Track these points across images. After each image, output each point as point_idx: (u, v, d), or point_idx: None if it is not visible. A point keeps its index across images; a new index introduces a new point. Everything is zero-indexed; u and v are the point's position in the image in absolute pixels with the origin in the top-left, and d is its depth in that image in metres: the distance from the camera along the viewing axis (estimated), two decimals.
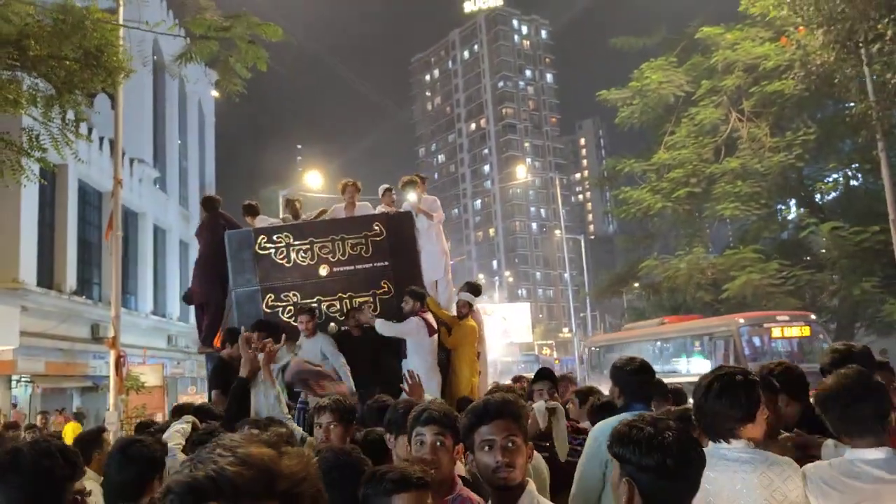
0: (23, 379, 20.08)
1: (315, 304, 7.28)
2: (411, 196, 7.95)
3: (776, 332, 16.80)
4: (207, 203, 8.94)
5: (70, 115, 8.59)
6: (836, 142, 20.59)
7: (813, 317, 17.73)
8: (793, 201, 22.39)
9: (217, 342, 7.65)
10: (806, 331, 16.94)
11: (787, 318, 17.26)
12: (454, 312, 7.59)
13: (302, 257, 7.49)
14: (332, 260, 7.47)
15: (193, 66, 34.52)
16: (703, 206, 21.72)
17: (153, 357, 25.52)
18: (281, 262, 7.48)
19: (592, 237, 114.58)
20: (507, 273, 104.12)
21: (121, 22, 12.47)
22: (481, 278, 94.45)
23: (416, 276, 7.49)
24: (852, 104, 16.76)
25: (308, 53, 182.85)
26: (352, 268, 7.48)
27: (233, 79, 8.70)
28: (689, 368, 17.99)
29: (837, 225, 18.44)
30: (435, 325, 6.99)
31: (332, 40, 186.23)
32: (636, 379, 3.45)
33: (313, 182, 36.53)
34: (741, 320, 16.99)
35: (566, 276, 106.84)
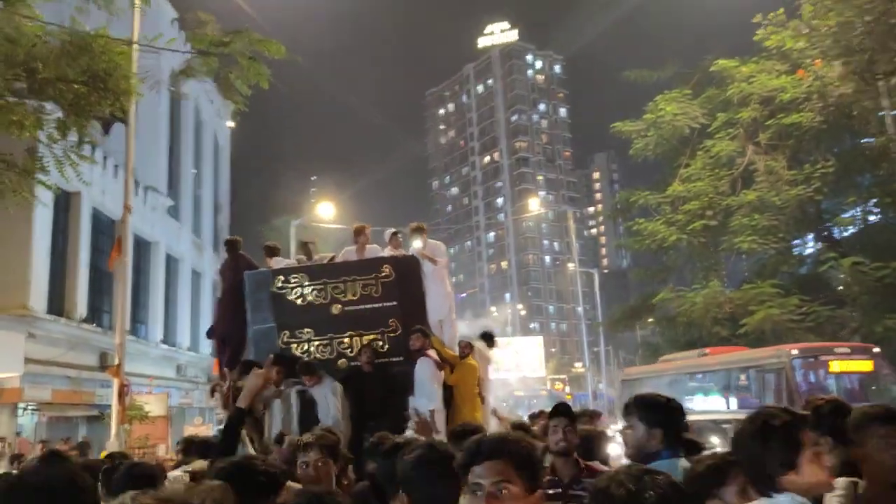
0: (29, 407, 19.87)
1: (327, 342, 7.79)
2: (416, 243, 8.41)
3: (834, 366, 15.31)
4: (230, 245, 9.43)
5: (75, 137, 8.47)
6: (855, 175, 20.27)
7: (877, 350, 16.05)
8: (811, 235, 21.98)
9: (215, 369, 8.22)
10: (868, 365, 15.50)
11: (846, 350, 15.83)
12: (457, 350, 8.02)
13: (316, 297, 7.98)
14: (343, 300, 7.98)
15: (209, 96, 34.96)
16: (720, 239, 21.37)
17: (159, 386, 25.28)
18: (296, 301, 8.01)
19: (606, 271, 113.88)
20: (519, 306, 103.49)
21: (134, 49, 12.39)
22: (494, 311, 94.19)
23: (422, 315, 7.95)
24: (871, 137, 16.48)
25: (323, 86, 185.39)
26: (362, 307, 7.96)
27: (234, 96, 8.65)
28: (734, 404, 16.72)
29: (858, 260, 17.86)
30: (440, 362, 7.41)
31: (347, 74, 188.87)
32: (677, 419, 3.08)
33: (325, 212, 36.59)
34: (794, 351, 15.44)
35: (579, 309, 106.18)
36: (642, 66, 26.30)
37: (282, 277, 8.09)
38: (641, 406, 3.09)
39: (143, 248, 28.39)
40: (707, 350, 19.13)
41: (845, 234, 21.60)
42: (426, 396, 7.07)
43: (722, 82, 22.23)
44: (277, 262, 8.87)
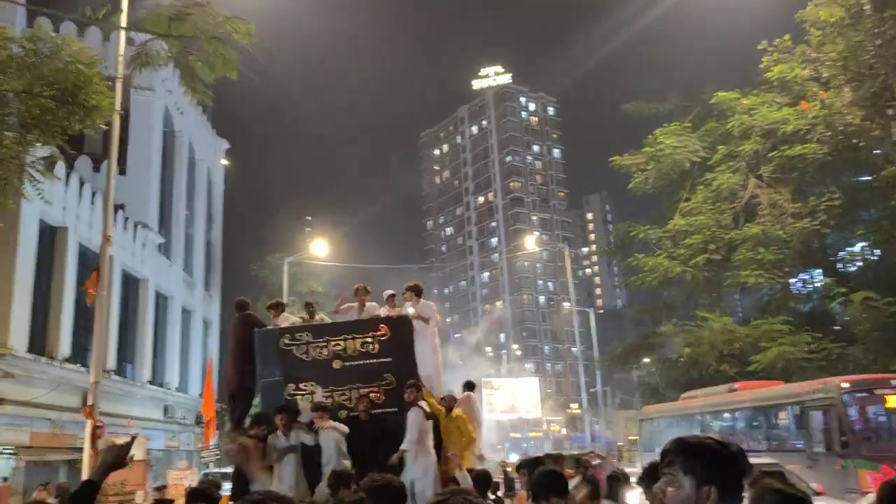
0: (5, 451, 18.92)
1: (328, 394, 8.50)
2: (409, 309, 9.33)
3: (893, 401, 13.28)
4: (239, 305, 10.01)
5: (40, 151, 7.89)
6: (861, 209, 19.81)
7: None
8: (816, 270, 21.41)
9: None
10: None
11: None
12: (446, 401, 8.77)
13: (319, 353, 8.78)
14: (343, 355, 8.77)
15: (204, 136, 34.51)
16: (723, 273, 20.79)
17: (146, 428, 24.30)
18: (301, 357, 8.80)
19: (601, 311, 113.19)
20: (514, 346, 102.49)
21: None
22: (488, 351, 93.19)
23: (413, 370, 8.67)
24: (880, 169, 16.05)
25: (318, 124, 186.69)
26: (361, 363, 8.72)
27: (196, 84, 8.08)
28: (770, 447, 14.94)
29: (870, 295, 17.16)
30: (429, 412, 8.12)
31: (343, 113, 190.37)
32: (736, 470, 2.15)
33: (319, 251, 36.04)
34: (845, 384, 13.64)
35: (575, 350, 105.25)
36: (632, 109, 26.16)
37: (288, 335, 8.93)
38: (687, 453, 2.20)
39: (131, 284, 27.70)
40: (737, 385, 17.36)
41: (851, 268, 21.07)
42: (406, 440, 7.73)
43: (722, 115, 21.94)
44: (284, 319, 9.79)
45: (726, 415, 17.24)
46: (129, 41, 31.29)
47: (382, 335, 8.77)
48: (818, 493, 10.33)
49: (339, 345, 8.81)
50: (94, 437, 9.78)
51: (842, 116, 14.46)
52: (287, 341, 8.86)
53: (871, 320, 16.93)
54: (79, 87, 7.63)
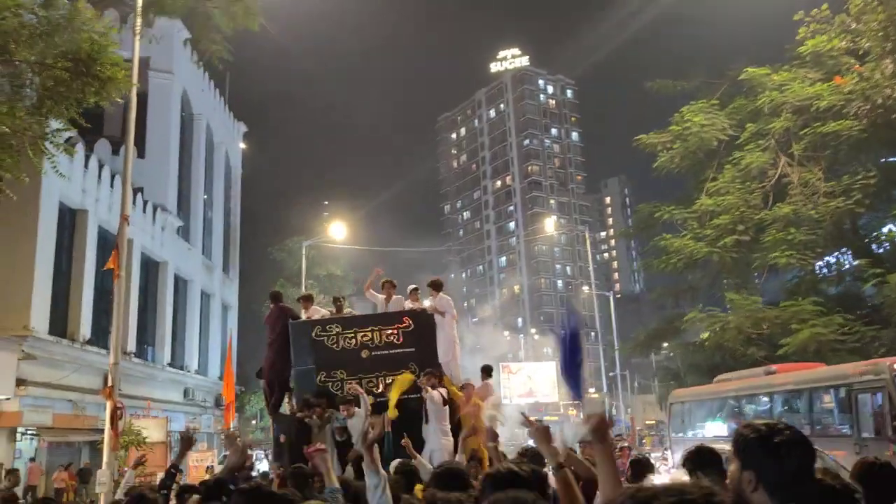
0: (28, 432, 18.98)
1: (357, 381, 9.03)
2: (427, 302, 10.10)
3: None
4: (274, 297, 10.86)
5: (55, 124, 7.63)
6: (895, 188, 19.13)
7: None
8: (848, 252, 20.71)
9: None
10: None
11: None
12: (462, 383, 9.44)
13: (348, 343, 9.52)
14: (371, 346, 9.50)
15: (223, 119, 34.36)
16: (752, 255, 20.19)
17: (164, 410, 24.34)
18: (332, 347, 9.54)
19: (618, 296, 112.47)
20: (532, 330, 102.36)
21: (136, 56, 11.66)
22: (506, 335, 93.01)
23: (434, 358, 9.33)
24: None
25: (336, 108, 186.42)
26: (387, 352, 9.47)
27: (213, 36, 7.81)
28: (813, 430, 13.92)
29: None
30: (446, 398, 8.73)
31: (360, 96, 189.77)
32: (794, 464, 1.96)
33: (337, 233, 35.84)
34: None
35: (592, 334, 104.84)
36: (656, 94, 25.55)
37: (320, 327, 9.68)
38: (735, 439, 2.08)
39: (151, 268, 27.72)
40: (774, 367, 16.33)
41: (880, 250, 20.40)
42: (429, 421, 8.53)
43: (751, 92, 21.27)
44: (315, 311, 10.56)
45: (763, 398, 16.35)
46: (148, 24, 31.20)
47: (406, 327, 9.52)
48: None
49: (366, 336, 9.51)
50: (114, 419, 9.63)
51: (881, 90, 13.84)
52: (319, 332, 9.59)
53: None
54: (93, 58, 7.37)
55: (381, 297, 10.41)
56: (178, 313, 29.95)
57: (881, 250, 20.17)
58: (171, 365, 28.05)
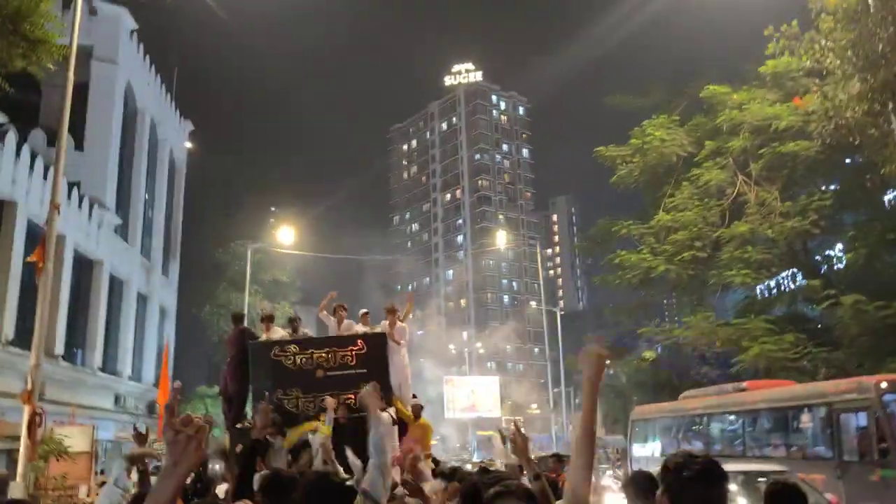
0: None
1: (311, 399, 9.62)
2: (384, 323, 10.56)
3: None
4: (235, 319, 11.68)
5: None
6: (851, 211, 19.31)
7: None
8: (798, 273, 20.81)
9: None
10: None
11: None
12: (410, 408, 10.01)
13: (304, 363, 9.94)
14: (325, 366, 9.92)
15: (168, 116, 32.97)
16: (709, 272, 20.16)
17: (92, 418, 22.89)
18: (289, 366, 9.95)
19: (562, 313, 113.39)
20: (477, 345, 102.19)
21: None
22: (451, 349, 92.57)
23: (386, 380, 9.59)
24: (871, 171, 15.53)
25: (286, 113, 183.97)
26: (340, 373, 9.86)
27: None
28: (788, 452, 13.34)
29: (860, 298, 16.58)
30: (396, 419, 8.96)
31: (312, 105, 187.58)
32: (700, 494, 2.17)
33: (285, 238, 34.80)
34: (884, 384, 11.78)
35: (536, 350, 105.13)
36: (607, 110, 25.54)
37: (278, 347, 10.12)
38: (661, 471, 2.31)
39: (84, 266, 26.22)
40: (745, 384, 15.51)
41: (836, 270, 20.58)
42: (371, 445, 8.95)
43: (710, 110, 21.36)
44: (274, 332, 11.09)
45: (732, 417, 15.45)
46: (92, 11, 29.69)
47: (360, 349, 10.01)
48: None
49: (322, 356, 9.96)
50: (32, 426, 8.66)
51: (844, 110, 13.87)
52: (277, 352, 10.05)
53: (859, 325, 16.38)
54: (22, 15, 6.51)
55: (334, 320, 10.95)
56: (112, 315, 28.40)
57: (832, 272, 20.40)
58: (102, 370, 26.52)
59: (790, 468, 10.87)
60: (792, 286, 20.61)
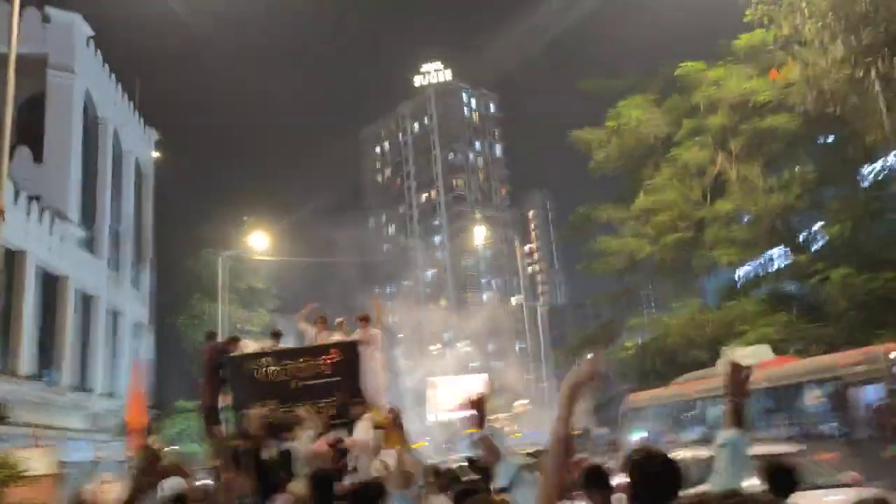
0: None
1: (288, 410, 9.55)
2: (357, 333, 10.54)
3: None
4: (209, 336, 12.02)
5: None
6: (829, 185, 19.00)
7: None
8: (785, 249, 20.43)
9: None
10: None
11: None
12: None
13: (279, 375, 10.12)
14: (300, 376, 10.10)
15: (132, 126, 31.96)
16: (694, 253, 19.73)
17: (68, 439, 21.98)
18: (263, 378, 10.15)
19: (544, 308, 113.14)
20: (459, 344, 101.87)
21: None
22: (432, 350, 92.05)
23: (358, 388, 9.94)
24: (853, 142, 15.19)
25: (254, 118, 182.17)
26: (314, 382, 10.06)
27: None
28: (796, 431, 12.60)
29: (849, 272, 16.16)
30: (375, 423, 9.13)
31: (280, 109, 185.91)
32: (651, 486, 2.43)
33: (258, 244, 34.00)
34: (893, 354, 11.25)
35: (519, 346, 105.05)
36: (579, 101, 25.19)
37: (253, 359, 10.36)
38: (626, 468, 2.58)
39: (49, 283, 25.20)
40: None
41: (815, 247, 20.28)
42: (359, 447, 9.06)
43: (686, 89, 20.99)
44: (245, 346, 11.21)
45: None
46: (45, 20, 28.67)
47: (333, 357, 10.19)
48: (851, 484, 8.73)
49: (296, 367, 10.13)
50: None
51: (824, 77, 13.49)
52: (252, 365, 10.27)
53: (847, 299, 16.02)
54: None
55: (313, 330, 11.13)
56: (82, 331, 27.42)
57: (815, 247, 20.04)
58: (74, 389, 25.53)
59: (800, 448, 10.17)
60: (774, 266, 20.24)
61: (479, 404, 4.64)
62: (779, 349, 16.33)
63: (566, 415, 2.58)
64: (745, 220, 19.47)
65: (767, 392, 13.47)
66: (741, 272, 20.25)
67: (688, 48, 21.75)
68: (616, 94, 22.70)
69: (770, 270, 19.92)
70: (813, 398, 12.75)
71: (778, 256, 19.54)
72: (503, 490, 4.02)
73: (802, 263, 18.02)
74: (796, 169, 18.16)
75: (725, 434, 2.68)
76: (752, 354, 12.55)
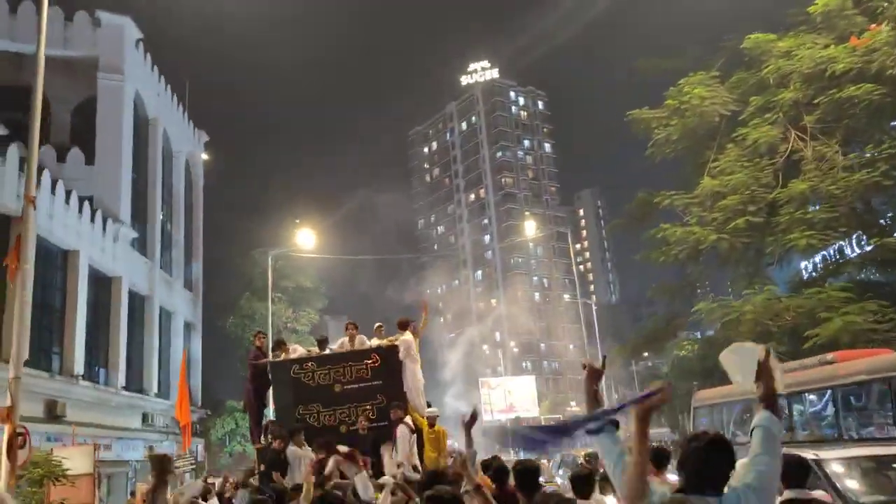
0: None
1: (331, 413, 10.45)
2: (404, 336, 10.76)
3: None
4: (257, 336, 12.58)
5: None
6: None
7: None
8: (864, 236, 18.78)
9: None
10: None
11: None
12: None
13: (322, 379, 10.63)
14: (343, 380, 10.57)
15: (182, 127, 31.99)
16: (766, 239, 18.31)
17: (119, 438, 21.87)
18: (308, 382, 10.66)
19: (595, 306, 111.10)
20: (511, 344, 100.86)
21: None
22: (485, 350, 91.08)
23: (400, 391, 10.30)
24: None
25: (303, 121, 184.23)
26: (357, 386, 10.53)
27: None
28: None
29: None
30: (414, 427, 9.63)
31: (329, 112, 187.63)
32: (703, 458, 2.52)
33: (306, 242, 33.64)
34: None
35: (571, 347, 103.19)
36: (630, 97, 23.90)
37: (297, 365, 10.85)
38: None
39: (102, 283, 25.30)
40: (830, 356, 12.97)
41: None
42: (399, 452, 9.33)
43: (753, 63, 19.58)
44: (293, 351, 11.64)
45: (812, 397, 13.05)
46: (96, 23, 28.82)
47: (374, 363, 10.58)
48: None
49: (339, 371, 10.56)
50: (12, 447, 7.45)
51: None
52: (297, 370, 10.75)
53: None
54: None
55: (345, 339, 11.48)
56: (134, 332, 27.46)
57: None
58: (126, 388, 25.52)
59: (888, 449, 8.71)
60: (849, 253, 18.67)
61: (468, 425, 4.91)
62: (871, 340, 14.86)
63: (643, 448, 2.56)
64: (818, 203, 17.92)
65: (862, 388, 12.02)
66: (813, 261, 18.71)
67: (755, 21, 20.21)
68: (674, 75, 21.40)
69: (851, 256, 18.35)
70: None
71: (854, 242, 17.89)
72: None
73: (893, 246, 16.41)
74: (883, 144, 16.57)
75: (759, 416, 2.73)
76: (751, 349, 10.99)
